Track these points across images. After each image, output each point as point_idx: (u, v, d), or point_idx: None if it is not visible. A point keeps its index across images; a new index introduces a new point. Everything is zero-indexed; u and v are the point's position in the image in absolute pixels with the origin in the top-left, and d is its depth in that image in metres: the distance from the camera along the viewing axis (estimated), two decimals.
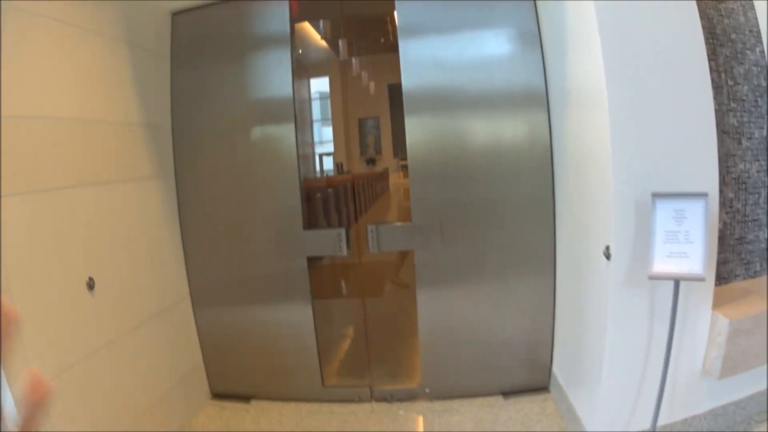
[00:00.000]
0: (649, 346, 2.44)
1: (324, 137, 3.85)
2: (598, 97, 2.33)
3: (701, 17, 2.68)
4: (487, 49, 2.94)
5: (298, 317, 3.19)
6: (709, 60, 2.74)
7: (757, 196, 2.86)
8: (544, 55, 2.93)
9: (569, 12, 2.61)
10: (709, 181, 2.38)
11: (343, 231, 3.02)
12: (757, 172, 2.86)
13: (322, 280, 3.66)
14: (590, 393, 2.59)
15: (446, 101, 2.95)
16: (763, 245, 2.90)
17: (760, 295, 2.67)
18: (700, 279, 2.15)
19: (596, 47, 2.29)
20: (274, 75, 3.04)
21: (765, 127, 2.89)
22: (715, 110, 2.72)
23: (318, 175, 3.78)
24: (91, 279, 2.44)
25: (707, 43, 2.76)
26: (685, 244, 2.19)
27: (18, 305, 1.94)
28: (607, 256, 2.36)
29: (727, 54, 2.83)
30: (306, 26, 3.88)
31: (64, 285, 2.29)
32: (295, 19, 3.49)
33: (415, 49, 2.95)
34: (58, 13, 2.33)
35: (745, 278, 2.87)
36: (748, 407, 2.73)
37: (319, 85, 3.89)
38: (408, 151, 2.96)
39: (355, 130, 3.74)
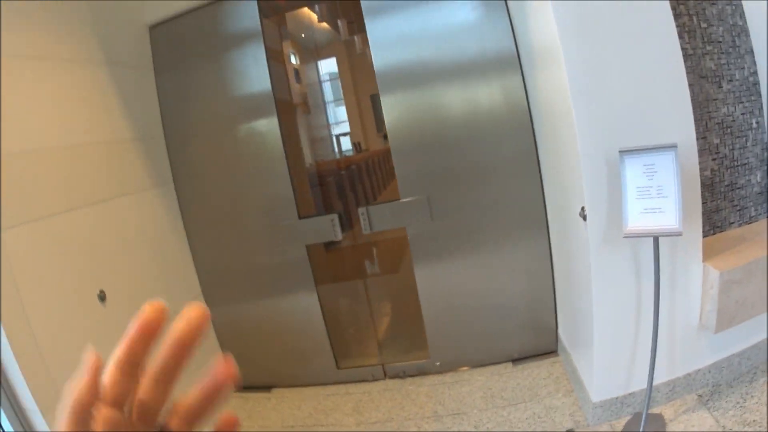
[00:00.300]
0: (639, 305, 2.44)
1: (339, 117, 3.91)
2: (556, 54, 2.31)
3: None
4: (454, 17, 2.93)
5: (305, 305, 3.29)
6: (679, 4, 2.69)
7: (744, 139, 2.79)
8: (511, 16, 2.91)
9: None
10: (684, 129, 2.34)
11: (336, 216, 3.09)
12: (742, 114, 2.78)
13: (344, 261, 3.75)
14: (587, 354, 2.61)
15: (420, 76, 2.96)
16: (756, 189, 2.82)
17: (754, 242, 2.61)
18: (677, 233, 2.12)
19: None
20: (252, 71, 3.12)
21: (746, 67, 2.80)
22: (690, 55, 2.69)
23: (337, 156, 3.85)
24: (102, 291, 2.61)
25: None
26: (658, 199, 2.17)
27: (35, 323, 2.16)
28: (583, 217, 2.37)
29: None
30: (306, 11, 3.94)
31: (77, 300, 2.48)
32: (281, 9, 3.57)
33: (383, 28, 2.96)
34: (35, 51, 2.48)
35: (740, 225, 2.81)
36: (753, 357, 2.69)
37: (328, 66, 3.96)
38: (388, 130, 3.00)
39: (368, 107, 3.76)
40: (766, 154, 2.83)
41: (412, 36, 2.94)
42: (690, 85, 2.64)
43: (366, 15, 2.96)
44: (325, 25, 3.84)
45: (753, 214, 2.83)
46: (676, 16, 2.69)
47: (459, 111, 2.98)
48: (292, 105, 3.64)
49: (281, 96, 3.37)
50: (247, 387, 3.55)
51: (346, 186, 3.68)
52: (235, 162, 3.23)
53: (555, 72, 2.41)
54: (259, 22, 3.08)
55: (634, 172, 2.20)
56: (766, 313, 2.55)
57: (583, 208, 2.36)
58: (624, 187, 2.19)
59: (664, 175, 2.16)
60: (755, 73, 2.82)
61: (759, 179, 2.83)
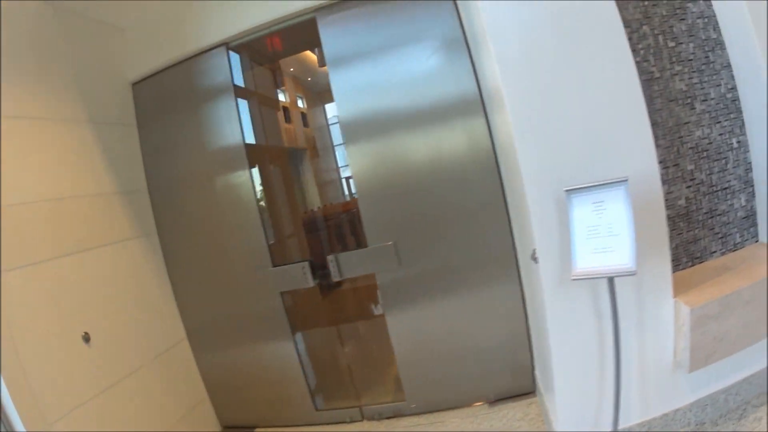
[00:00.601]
0: (603, 346, 2.32)
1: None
2: (501, 94, 2.25)
3: None
4: (416, 64, 2.88)
5: (283, 349, 3.30)
6: (642, 24, 2.57)
7: (723, 161, 2.61)
8: (473, 59, 2.85)
9: (472, 11, 2.55)
10: (644, 160, 2.23)
11: (306, 264, 3.10)
12: (720, 134, 2.61)
13: (327, 305, 3.77)
14: (553, 395, 2.51)
15: (384, 124, 2.93)
16: (741, 213, 2.64)
17: (738, 271, 2.44)
18: (630, 273, 2.01)
19: (488, 36, 2.22)
20: (225, 125, 3.16)
21: (722, 83, 2.62)
22: (657, 78, 2.56)
23: (347, 198, 3.87)
24: (86, 333, 2.76)
25: (637, 6, 2.57)
26: (609, 238, 2.07)
27: (25, 359, 2.37)
28: (535, 260, 2.29)
29: (664, 13, 2.60)
30: (307, 55, 4.00)
31: (62, 341, 2.64)
32: (279, 55, 3.67)
33: (347, 78, 2.95)
34: (23, 112, 2.66)
35: (723, 253, 2.63)
36: (743, 392, 2.51)
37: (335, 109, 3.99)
38: (354, 178, 2.98)
39: None
40: (750, 174, 2.64)
41: (375, 84, 2.92)
42: (658, 110, 2.54)
43: (330, 65, 2.95)
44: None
45: (738, 240, 2.64)
46: (640, 37, 2.57)
47: (425, 156, 2.94)
48: (284, 151, 3.69)
49: (273, 143, 3.44)
50: (231, 426, 3.60)
51: (346, 229, 3.70)
52: (215, 212, 3.28)
53: (503, 112, 2.35)
54: (229, 75, 3.15)
55: (582, 210, 2.10)
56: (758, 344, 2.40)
57: (534, 251, 2.28)
58: (572, 227, 2.10)
59: (615, 211, 2.05)
60: (734, 88, 2.64)
61: (743, 202, 2.64)
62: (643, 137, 2.23)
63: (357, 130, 2.97)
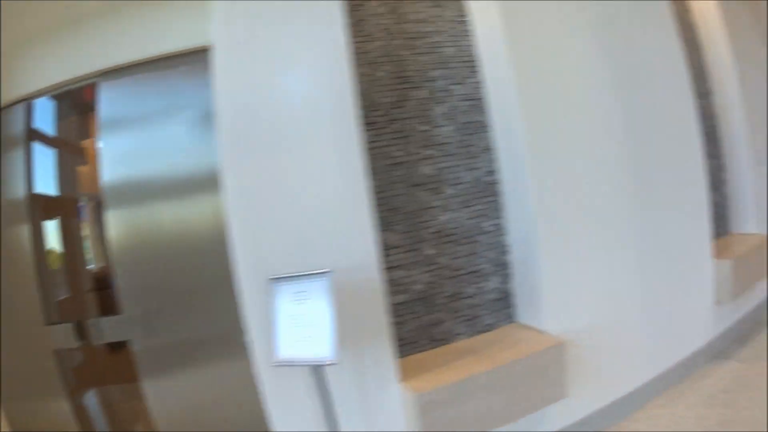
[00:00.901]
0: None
1: None
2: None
3: (389, 61, 2.61)
4: (175, 135, 2.88)
5: (57, 407, 3.25)
6: (393, 107, 2.58)
7: (472, 245, 2.63)
8: None
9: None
10: (362, 249, 2.26)
11: (70, 325, 3.07)
12: (470, 218, 2.63)
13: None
14: None
15: (142, 191, 2.87)
16: (493, 296, 2.65)
17: (481, 355, 2.45)
18: (330, 363, 2.03)
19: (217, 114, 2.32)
20: (19, 175, 3.15)
21: (481, 167, 2.65)
22: (402, 163, 2.56)
23: None
24: None
25: (394, 88, 2.59)
26: (309, 328, 2.10)
27: None
28: (247, 344, 2.30)
29: (424, 96, 2.63)
30: None
31: None
32: (89, 107, 3.64)
33: (114, 144, 2.93)
34: None
35: (472, 335, 2.64)
36: None
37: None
38: (111, 243, 2.95)
39: None
40: (505, 256, 2.67)
41: (138, 152, 2.88)
42: (398, 195, 2.54)
43: (103, 126, 2.92)
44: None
45: (489, 322, 2.66)
46: (389, 121, 2.58)
47: (176, 227, 2.87)
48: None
49: (77, 193, 3.41)
50: None
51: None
52: (4, 263, 3.27)
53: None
54: (22, 127, 3.13)
55: (285, 299, 2.14)
56: None
57: (247, 335, 2.30)
58: (275, 315, 2.13)
59: (317, 302, 2.08)
60: (493, 171, 2.68)
61: (496, 285, 2.66)
62: (364, 226, 2.26)
63: (117, 195, 2.93)
